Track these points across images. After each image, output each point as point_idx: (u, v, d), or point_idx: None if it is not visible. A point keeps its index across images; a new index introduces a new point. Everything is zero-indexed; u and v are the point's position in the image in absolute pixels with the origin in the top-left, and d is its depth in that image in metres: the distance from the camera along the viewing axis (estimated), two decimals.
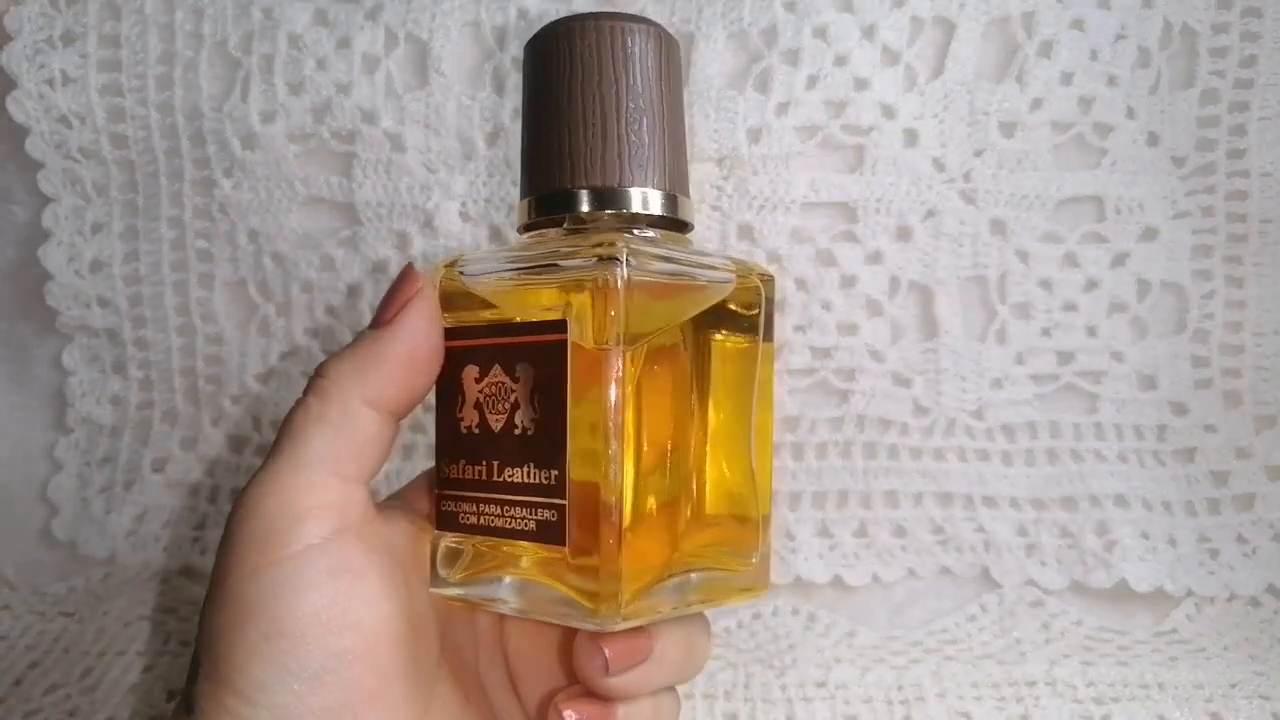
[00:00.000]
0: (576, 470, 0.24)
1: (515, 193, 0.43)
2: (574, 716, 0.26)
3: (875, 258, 0.43)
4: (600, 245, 0.24)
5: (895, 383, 0.44)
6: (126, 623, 0.43)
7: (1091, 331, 0.43)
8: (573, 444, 0.24)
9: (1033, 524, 0.44)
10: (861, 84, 0.41)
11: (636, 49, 0.26)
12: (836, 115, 0.42)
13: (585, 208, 0.25)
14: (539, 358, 0.24)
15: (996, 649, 0.42)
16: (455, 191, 0.43)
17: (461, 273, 0.27)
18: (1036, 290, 0.43)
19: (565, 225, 0.26)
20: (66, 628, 0.43)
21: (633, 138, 0.25)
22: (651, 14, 0.42)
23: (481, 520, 0.26)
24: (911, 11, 0.41)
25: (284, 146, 0.43)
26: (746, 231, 0.43)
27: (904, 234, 0.43)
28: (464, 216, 0.43)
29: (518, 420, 0.25)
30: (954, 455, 0.44)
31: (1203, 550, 0.43)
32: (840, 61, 0.41)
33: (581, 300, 0.24)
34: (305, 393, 0.25)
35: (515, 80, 0.42)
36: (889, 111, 0.42)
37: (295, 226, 0.44)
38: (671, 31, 0.42)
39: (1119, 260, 0.43)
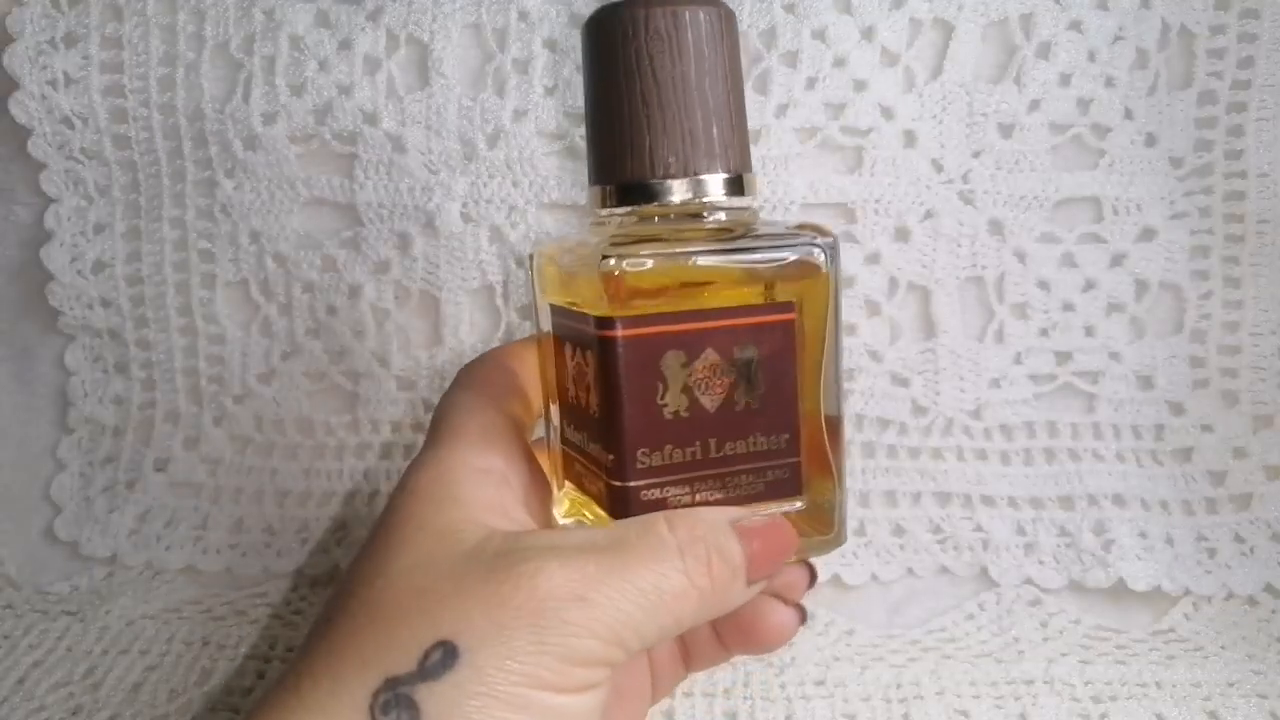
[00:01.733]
0: (803, 429, 0.27)
1: (515, 194, 0.43)
2: (791, 613, 0.30)
3: (874, 258, 0.43)
4: (814, 231, 0.27)
5: (894, 382, 0.44)
6: (129, 621, 0.44)
7: (1089, 331, 0.44)
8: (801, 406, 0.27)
9: (1031, 523, 0.44)
10: (860, 85, 0.42)
11: (702, 29, 0.26)
12: (835, 116, 0.42)
13: (663, 195, 0.26)
14: (763, 337, 0.26)
15: (994, 648, 0.42)
16: (456, 192, 0.43)
17: (628, 265, 0.26)
18: (1035, 290, 0.43)
19: (640, 211, 0.27)
20: (69, 626, 0.44)
21: (704, 121, 0.26)
22: None
23: (698, 498, 0.27)
24: (910, 13, 0.41)
25: (286, 147, 0.43)
26: None
27: (902, 234, 0.43)
28: (465, 217, 0.43)
29: (738, 398, 0.26)
30: (952, 455, 0.44)
31: (1200, 549, 0.44)
32: (839, 63, 0.41)
33: (803, 284, 0.27)
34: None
35: (516, 81, 0.42)
36: (888, 113, 0.42)
37: (297, 227, 0.44)
38: None
39: (1117, 260, 0.43)
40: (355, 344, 0.45)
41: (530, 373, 0.32)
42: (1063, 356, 0.44)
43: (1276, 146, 0.42)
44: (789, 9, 0.42)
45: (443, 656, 0.23)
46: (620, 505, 0.27)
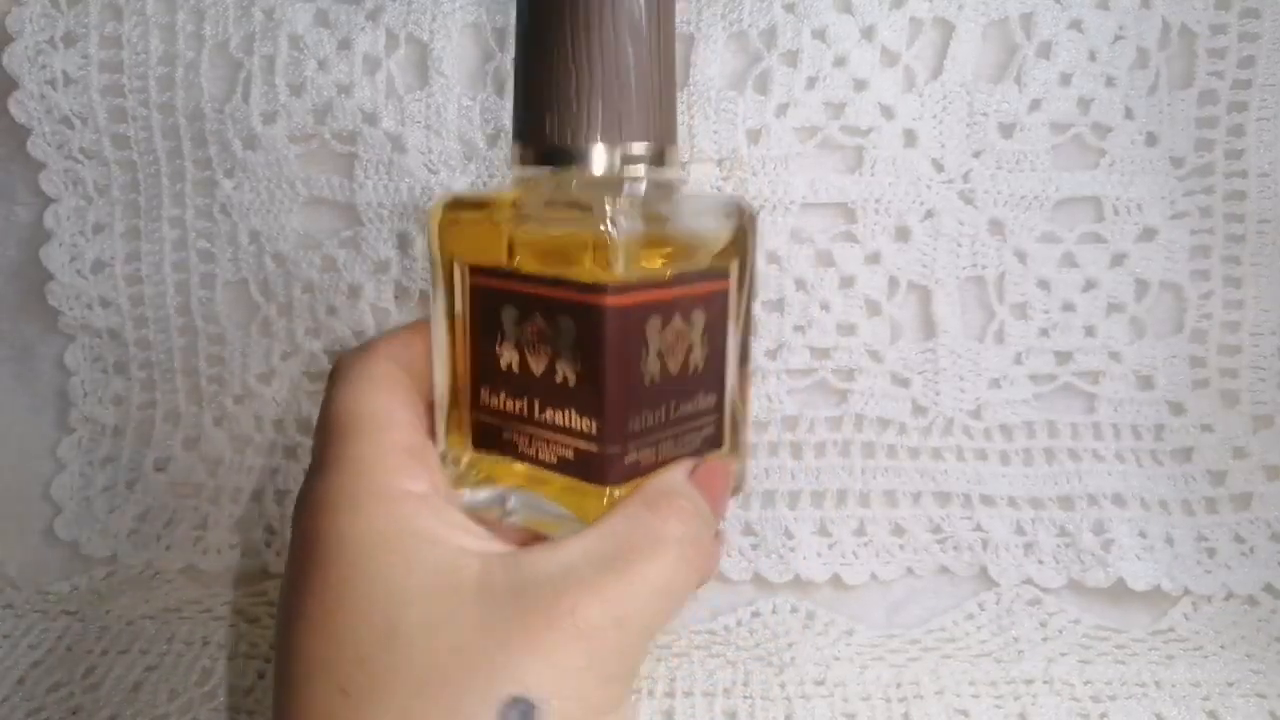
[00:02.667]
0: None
1: None
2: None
3: (874, 258, 0.43)
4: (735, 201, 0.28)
5: (894, 382, 0.44)
6: (129, 621, 0.44)
7: (1089, 331, 0.44)
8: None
9: (1030, 523, 0.44)
10: (860, 85, 0.42)
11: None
12: (836, 116, 0.42)
13: (599, 163, 0.26)
14: (710, 303, 0.27)
15: (994, 647, 0.42)
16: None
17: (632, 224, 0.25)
18: (1035, 290, 0.43)
19: (561, 173, 0.27)
20: (69, 626, 0.44)
21: (638, 92, 0.26)
22: None
23: (659, 458, 0.27)
24: (910, 13, 0.41)
25: (285, 147, 0.43)
26: None
27: (903, 234, 0.43)
28: None
29: (692, 360, 0.27)
30: (952, 454, 0.44)
31: (1200, 549, 0.44)
32: (839, 62, 0.41)
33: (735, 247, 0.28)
34: None
35: None
36: (888, 112, 0.42)
37: (297, 227, 0.44)
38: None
39: (1117, 260, 0.43)
40: (355, 344, 0.45)
41: (419, 354, 0.29)
42: (1063, 356, 0.44)
43: (1277, 146, 0.42)
44: (789, 8, 0.42)
45: (521, 716, 0.22)
46: (608, 472, 0.26)
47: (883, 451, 0.44)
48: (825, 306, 0.43)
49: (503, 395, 0.28)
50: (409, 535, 0.24)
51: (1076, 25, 0.41)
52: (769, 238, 0.43)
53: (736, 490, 0.30)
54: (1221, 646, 0.41)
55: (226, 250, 0.45)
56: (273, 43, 0.43)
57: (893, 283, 0.43)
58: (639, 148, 0.26)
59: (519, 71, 0.27)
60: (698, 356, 0.27)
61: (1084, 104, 0.42)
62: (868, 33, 0.41)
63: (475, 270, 0.27)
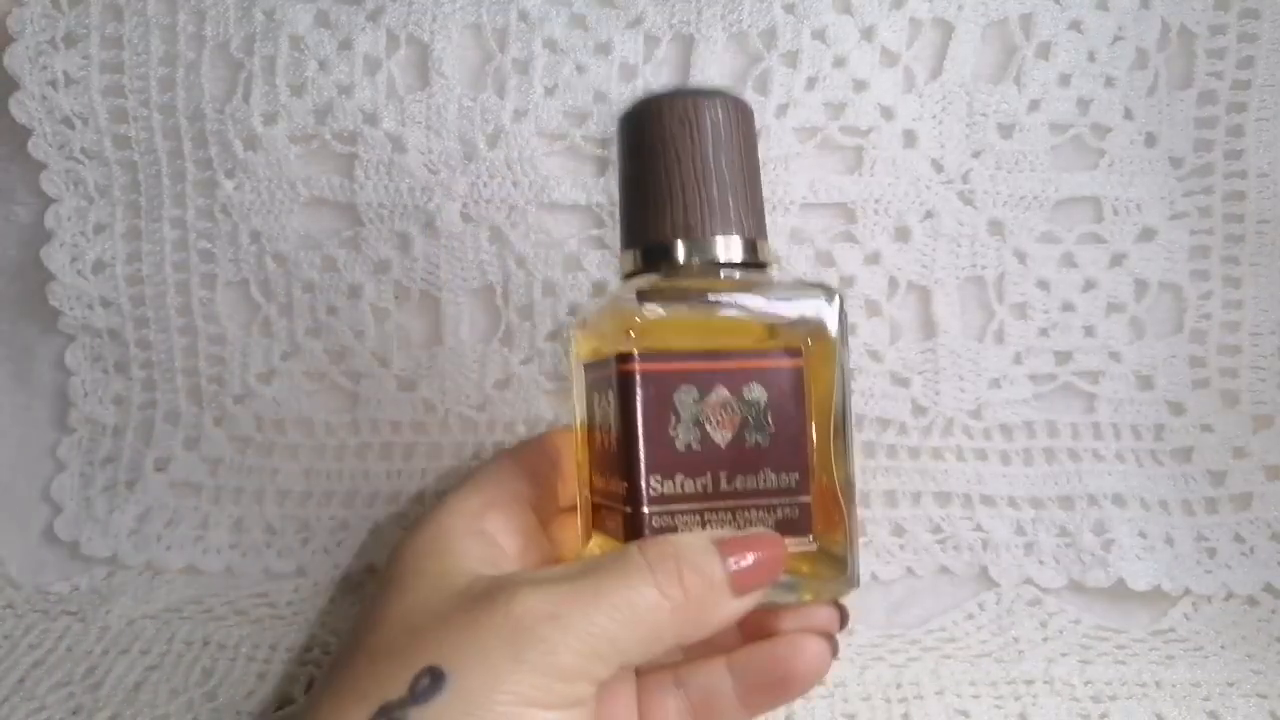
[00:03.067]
0: (815, 473, 0.29)
1: (515, 194, 0.43)
2: (823, 644, 0.30)
3: (874, 258, 0.43)
4: (821, 289, 0.30)
5: (894, 382, 0.44)
6: (129, 621, 0.44)
7: (1089, 331, 0.44)
8: (813, 451, 0.29)
9: (1030, 523, 0.44)
10: (860, 85, 0.42)
11: (719, 116, 0.30)
12: (835, 116, 0.42)
13: (682, 256, 0.29)
14: (772, 379, 0.29)
15: (994, 647, 0.42)
16: (457, 193, 0.43)
17: (651, 306, 0.29)
18: (1034, 290, 0.43)
19: (663, 271, 0.30)
20: (70, 626, 0.44)
21: (720, 194, 0.29)
22: (652, 17, 0.42)
23: (707, 528, 0.28)
24: (910, 13, 0.41)
25: (286, 148, 0.43)
26: None
27: (902, 234, 0.43)
28: (465, 218, 0.43)
29: (748, 435, 0.29)
30: (952, 455, 0.44)
31: (1200, 549, 0.44)
32: (839, 63, 0.41)
33: (811, 339, 0.29)
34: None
35: (516, 81, 0.42)
36: (888, 113, 0.42)
37: (297, 227, 0.44)
38: (671, 33, 0.42)
39: (1117, 260, 0.43)
40: (355, 344, 0.45)
41: (564, 455, 0.34)
42: (1063, 356, 0.44)
43: (1276, 146, 0.42)
44: (789, 9, 0.42)
45: (431, 681, 0.24)
46: (634, 530, 0.28)
47: (883, 451, 0.44)
48: None
49: (597, 478, 0.31)
50: (442, 553, 0.29)
51: (1076, 26, 0.42)
52: (769, 238, 0.42)
53: (824, 593, 0.30)
54: (1222, 647, 0.41)
55: (227, 250, 0.45)
56: (273, 43, 0.43)
57: (892, 283, 0.43)
58: (729, 241, 0.29)
59: (622, 192, 0.31)
60: (759, 432, 0.29)
61: (1083, 104, 0.42)
62: (867, 33, 0.41)
63: (585, 369, 0.31)
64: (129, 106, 0.44)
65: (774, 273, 0.31)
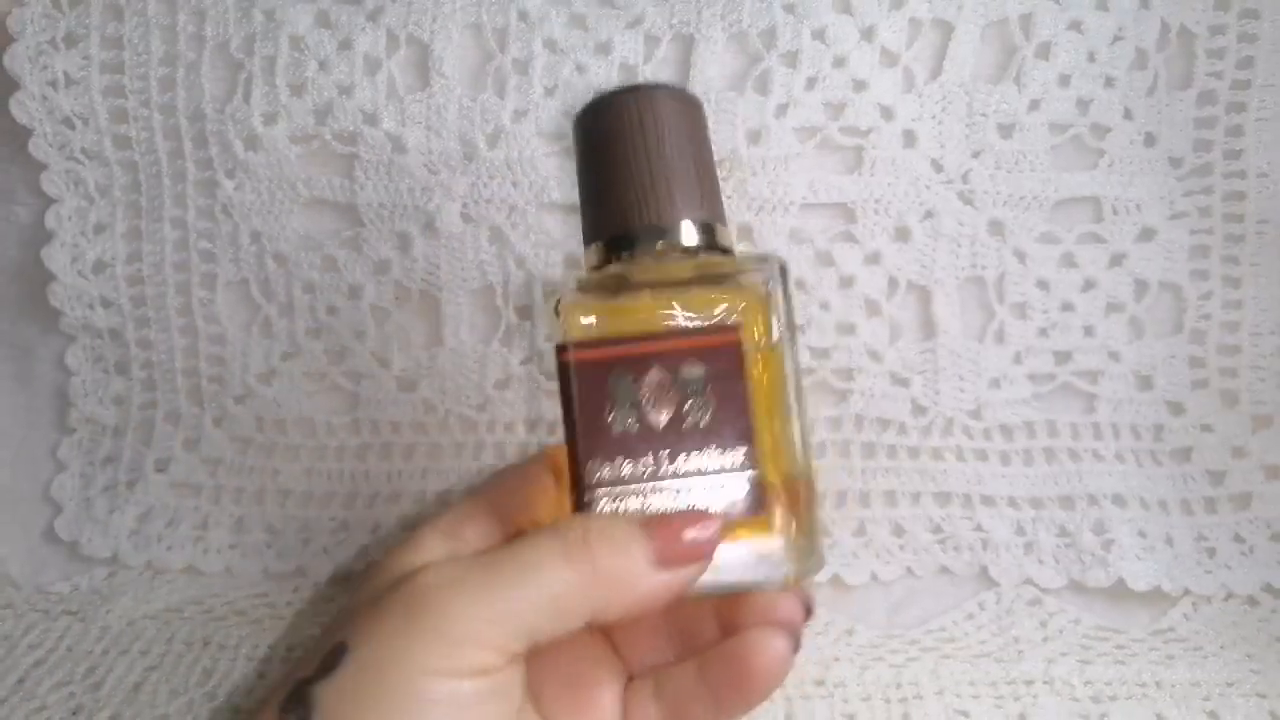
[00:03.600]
0: (760, 447, 0.28)
1: (515, 194, 0.43)
2: (784, 640, 0.29)
3: (874, 258, 0.43)
4: (761, 260, 0.29)
5: (893, 382, 0.44)
6: (130, 621, 0.44)
7: (1089, 331, 0.44)
8: (763, 429, 0.28)
9: (1030, 523, 0.44)
10: (860, 85, 0.42)
11: (668, 109, 0.30)
12: (835, 117, 0.42)
13: (646, 241, 0.29)
14: (708, 356, 0.28)
15: (994, 647, 0.42)
16: (457, 193, 0.43)
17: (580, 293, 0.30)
18: (1034, 290, 0.43)
19: (630, 258, 0.30)
20: (70, 626, 0.44)
21: (675, 181, 0.30)
22: (652, 17, 0.42)
23: (650, 510, 0.28)
24: (910, 13, 0.41)
25: (286, 148, 0.43)
26: (745, 233, 0.43)
27: (902, 234, 0.43)
28: (465, 218, 0.43)
29: (688, 414, 0.28)
30: (952, 455, 0.44)
31: (1200, 549, 0.44)
32: (839, 63, 0.41)
33: (749, 305, 0.29)
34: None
35: (516, 82, 0.42)
36: (887, 113, 0.42)
37: (297, 227, 0.44)
38: (671, 34, 0.42)
39: (1116, 260, 0.43)
40: (356, 344, 0.45)
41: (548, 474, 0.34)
42: (1062, 356, 0.44)
43: (1276, 146, 0.42)
44: (788, 9, 0.42)
45: (336, 655, 0.25)
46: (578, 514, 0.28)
47: (882, 452, 0.44)
48: (825, 306, 0.43)
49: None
50: (401, 556, 0.30)
51: (1075, 26, 0.42)
52: (769, 238, 0.43)
53: (803, 575, 0.29)
54: (1221, 647, 0.41)
55: (227, 250, 0.45)
56: (273, 43, 0.43)
57: (892, 283, 0.43)
58: (686, 226, 0.29)
59: (581, 190, 0.31)
60: (699, 411, 0.28)
61: (1083, 104, 0.42)
62: (867, 33, 0.41)
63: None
64: (129, 107, 0.44)
65: (734, 255, 0.31)
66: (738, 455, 0.28)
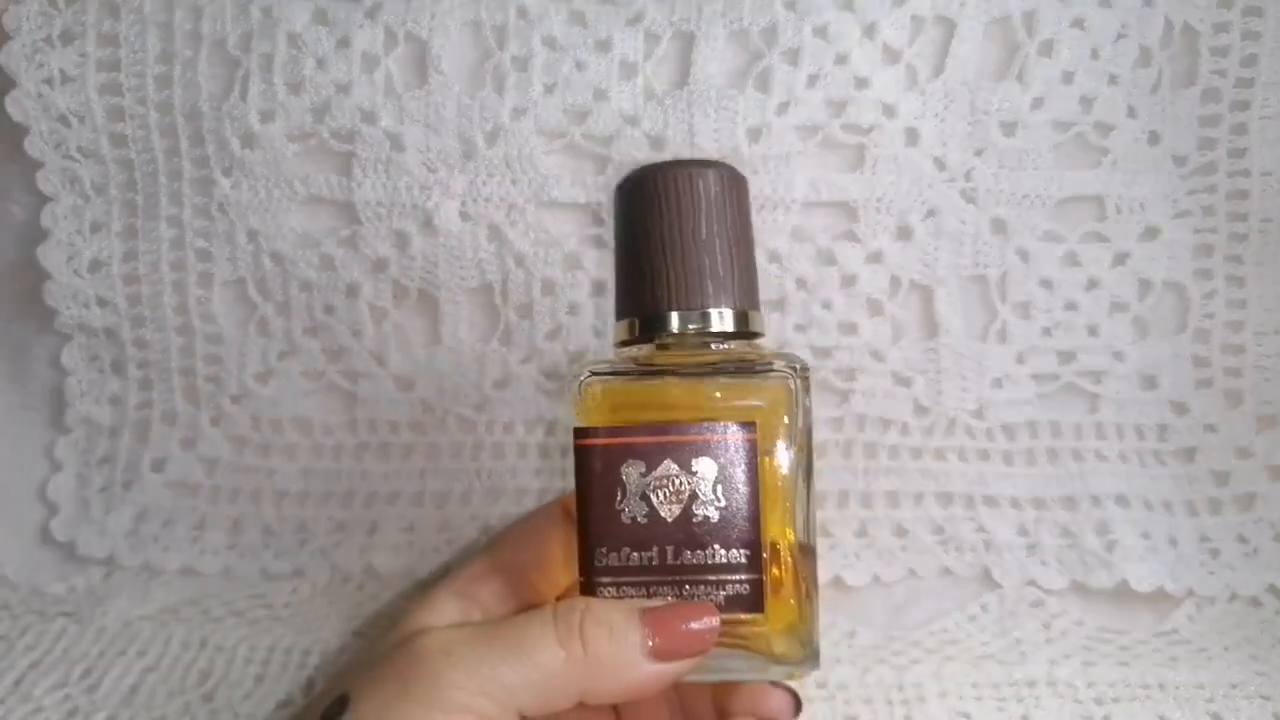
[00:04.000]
0: (765, 547, 0.29)
1: (514, 192, 0.42)
2: None
3: (876, 257, 0.43)
4: (783, 361, 0.29)
5: (896, 382, 0.44)
6: (126, 622, 0.43)
7: (1092, 331, 0.43)
8: (768, 526, 0.29)
9: (1033, 524, 0.44)
10: (862, 83, 0.41)
11: (713, 187, 0.30)
12: (837, 114, 0.42)
13: (678, 327, 0.30)
14: (721, 453, 0.28)
15: (997, 649, 0.42)
16: (455, 191, 0.43)
17: (602, 375, 0.30)
18: (1037, 290, 0.43)
19: (657, 341, 0.30)
20: (66, 628, 0.43)
21: (713, 266, 0.30)
22: (652, 14, 0.42)
23: (653, 600, 0.29)
24: (912, 10, 0.41)
25: (283, 146, 0.43)
26: None
27: (905, 233, 0.43)
28: (464, 216, 0.43)
29: (696, 510, 0.29)
30: (954, 455, 0.44)
31: (1204, 550, 0.43)
32: (841, 60, 0.41)
33: (772, 401, 0.29)
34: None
35: (514, 79, 0.42)
36: (890, 111, 0.42)
37: (294, 226, 0.44)
38: (671, 31, 0.42)
39: (1120, 259, 0.43)
40: (353, 343, 0.44)
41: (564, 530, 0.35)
42: (1065, 356, 0.44)
43: None
44: (790, 6, 0.41)
45: (337, 707, 0.27)
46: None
47: (885, 452, 0.44)
48: (827, 306, 0.43)
49: None
50: (416, 614, 0.32)
51: (1079, 23, 0.41)
52: (770, 236, 0.42)
53: (780, 675, 0.30)
54: (1225, 648, 0.41)
55: (224, 249, 0.45)
56: (270, 41, 0.43)
57: (894, 282, 0.43)
58: (718, 313, 0.30)
59: (617, 261, 0.31)
60: (707, 507, 0.29)
61: (1086, 102, 0.42)
62: (869, 30, 0.41)
63: None
64: (125, 104, 0.44)
65: (764, 342, 0.32)
66: (742, 554, 0.28)
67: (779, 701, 0.31)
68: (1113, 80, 0.42)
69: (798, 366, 0.29)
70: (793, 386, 0.29)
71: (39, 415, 0.48)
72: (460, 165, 0.42)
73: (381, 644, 0.31)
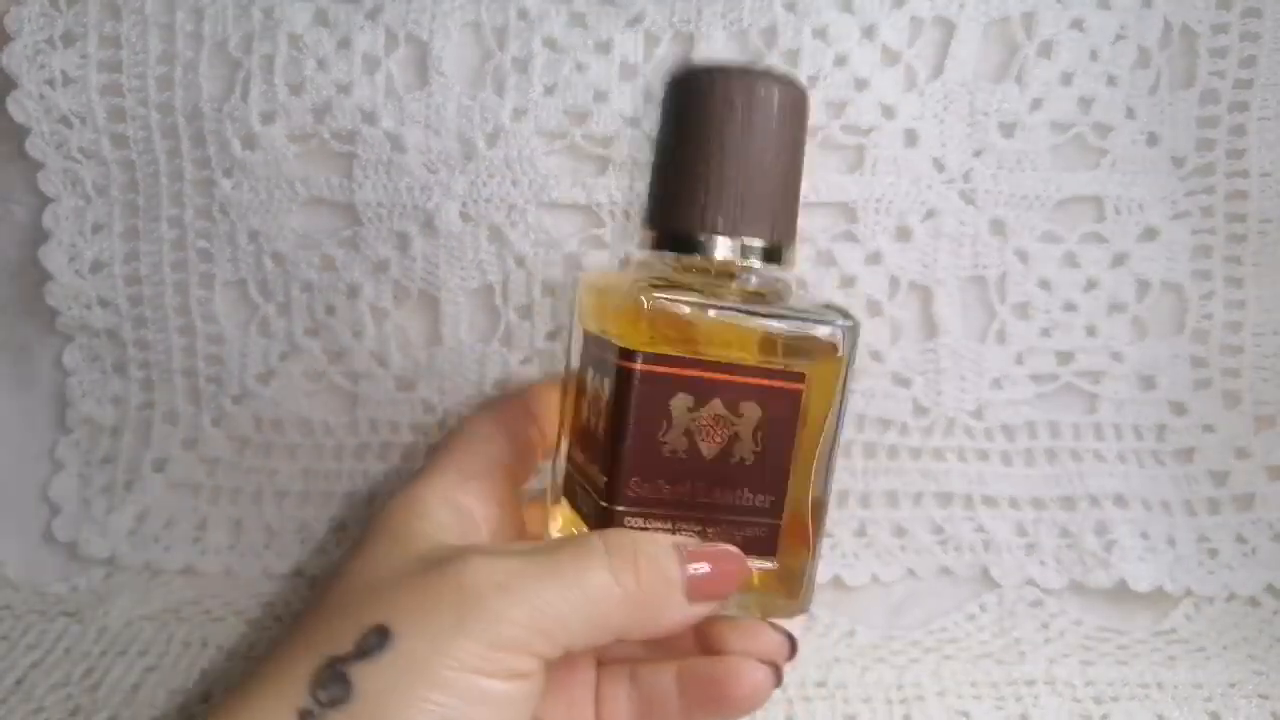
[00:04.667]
0: (790, 497, 0.29)
1: (515, 193, 0.43)
2: (767, 673, 0.30)
3: (875, 258, 0.43)
4: (839, 317, 0.29)
5: (895, 383, 0.44)
6: (128, 622, 0.44)
7: (1091, 331, 0.43)
8: (792, 476, 0.28)
9: (1032, 524, 0.44)
10: (861, 84, 0.41)
11: (776, 101, 0.28)
12: (836, 115, 0.42)
13: (710, 249, 0.29)
14: (769, 400, 0.28)
15: (996, 648, 0.42)
16: (456, 192, 0.43)
17: (665, 299, 0.28)
18: (1036, 290, 0.43)
19: (686, 261, 0.29)
20: (68, 627, 0.43)
21: (761, 187, 0.28)
22: (652, 15, 0.42)
23: (676, 534, 0.28)
24: (911, 12, 0.41)
25: (284, 147, 0.43)
26: None
27: (904, 234, 0.43)
28: (464, 217, 0.43)
29: (734, 451, 0.28)
30: (953, 455, 0.44)
31: (1202, 550, 0.43)
32: (840, 61, 0.41)
33: (816, 363, 0.28)
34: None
35: (515, 80, 0.42)
36: (889, 112, 0.42)
37: (295, 226, 0.44)
38: (671, 32, 0.42)
39: (1118, 260, 0.43)
40: (354, 344, 0.45)
41: (547, 414, 0.34)
42: (1064, 356, 0.44)
43: (1279, 146, 0.42)
44: (789, 7, 0.41)
45: (377, 639, 0.24)
46: (603, 525, 0.28)
47: (884, 452, 0.44)
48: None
49: (575, 447, 0.31)
50: (413, 518, 0.30)
51: (1078, 24, 0.41)
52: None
53: (772, 612, 0.30)
54: (1224, 648, 0.41)
55: (225, 250, 0.45)
56: (272, 42, 0.43)
57: (893, 282, 0.43)
58: (755, 244, 0.29)
59: (656, 161, 0.30)
60: (745, 449, 0.28)
61: (1085, 103, 0.42)
62: (868, 32, 0.41)
63: (585, 336, 0.31)
64: (127, 105, 0.44)
65: (792, 278, 0.31)
66: (767, 500, 0.28)
67: (775, 642, 0.31)
68: (1111, 81, 0.42)
69: (851, 324, 0.29)
70: (843, 345, 0.28)
71: (41, 415, 0.48)
72: (461, 166, 0.43)
73: (387, 557, 0.29)
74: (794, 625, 0.32)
